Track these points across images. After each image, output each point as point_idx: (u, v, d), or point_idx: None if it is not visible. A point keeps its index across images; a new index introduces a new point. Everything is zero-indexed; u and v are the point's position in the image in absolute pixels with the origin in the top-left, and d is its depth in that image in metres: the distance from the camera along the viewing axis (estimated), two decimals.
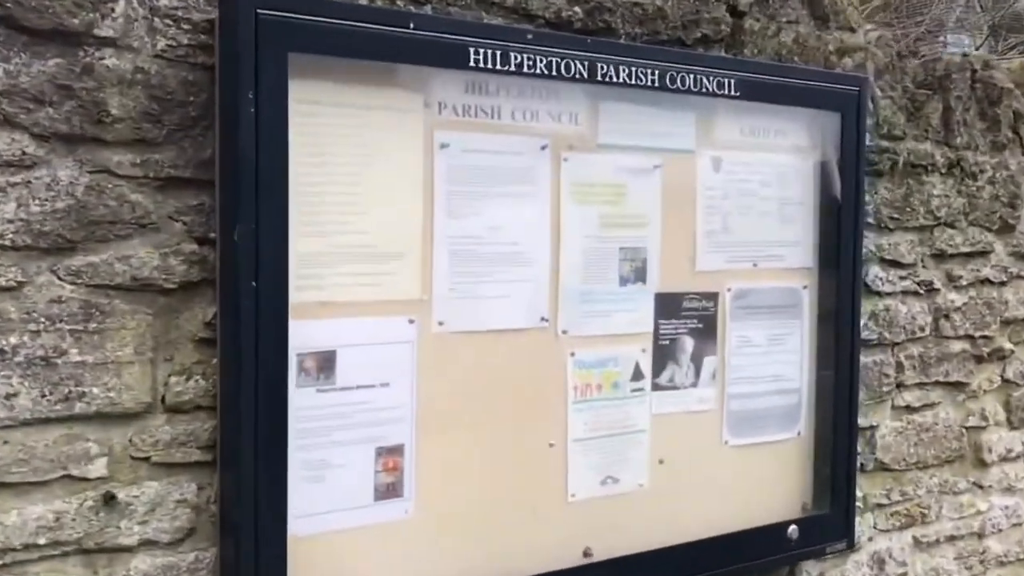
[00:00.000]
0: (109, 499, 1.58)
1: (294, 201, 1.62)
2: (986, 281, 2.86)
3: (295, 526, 1.66)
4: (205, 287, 1.64)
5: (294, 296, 1.64)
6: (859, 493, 2.58)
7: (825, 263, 2.34)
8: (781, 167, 2.28)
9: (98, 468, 1.57)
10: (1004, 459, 2.96)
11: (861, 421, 2.55)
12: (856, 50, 2.49)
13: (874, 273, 2.57)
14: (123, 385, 1.58)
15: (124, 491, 1.60)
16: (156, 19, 1.58)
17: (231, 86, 1.54)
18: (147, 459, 1.62)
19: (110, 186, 1.57)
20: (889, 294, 2.62)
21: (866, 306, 2.54)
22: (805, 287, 2.33)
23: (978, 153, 2.80)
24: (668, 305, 2.11)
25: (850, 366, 2.33)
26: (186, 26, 1.60)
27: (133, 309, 1.59)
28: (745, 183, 2.22)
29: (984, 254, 2.85)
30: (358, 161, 1.71)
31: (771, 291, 2.28)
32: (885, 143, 2.57)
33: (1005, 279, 2.90)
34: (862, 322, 2.52)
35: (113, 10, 1.54)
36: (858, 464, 2.57)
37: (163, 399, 1.62)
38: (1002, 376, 2.94)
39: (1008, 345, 2.93)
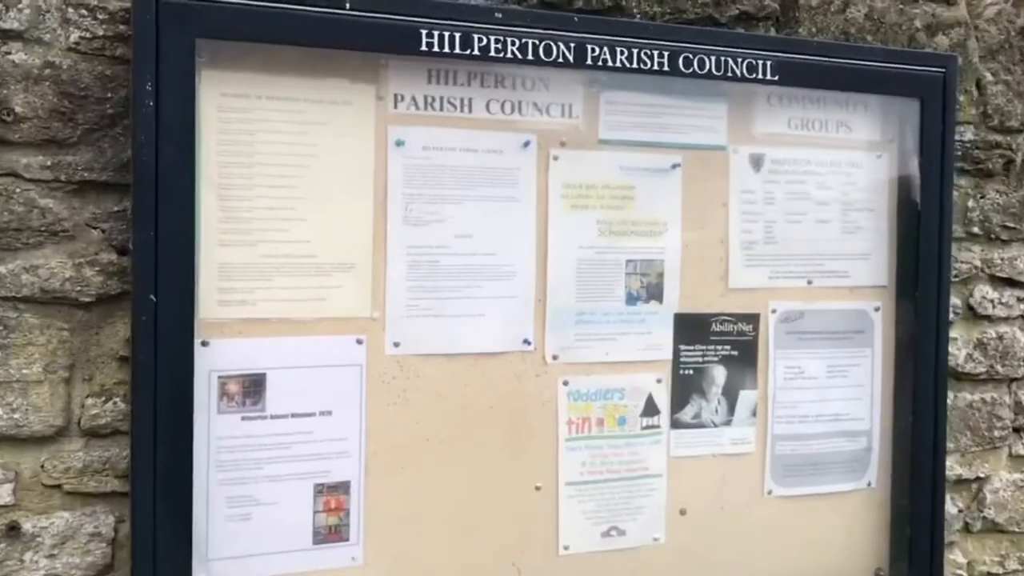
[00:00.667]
0: (12, 529, 1.46)
1: (211, 206, 1.46)
2: None
3: (216, 569, 1.48)
4: (127, 301, 1.49)
5: (214, 312, 1.47)
6: (961, 559, 2.14)
7: (903, 281, 1.94)
8: (845, 166, 1.91)
9: (2, 495, 1.45)
10: None
11: (965, 472, 2.13)
12: (954, 25, 2.08)
13: (982, 293, 2.13)
14: (30, 406, 1.46)
15: (31, 521, 1.48)
16: (70, 9, 1.46)
17: (133, 78, 1.39)
18: (58, 487, 1.49)
19: (17, 190, 1.45)
20: (1003, 319, 2.17)
21: (971, 333, 2.11)
22: (877, 309, 1.94)
23: None
24: (692, 328, 1.79)
25: (934, 403, 1.92)
26: (102, 16, 1.48)
27: (44, 324, 1.47)
28: (796, 184, 1.87)
29: None
30: (297, 162, 1.52)
31: (832, 313, 1.91)
32: (997, 137, 2.14)
33: None
34: (966, 352, 2.09)
35: (20, 0, 1.43)
36: (962, 524, 2.13)
37: (79, 422, 1.49)
38: None
39: None
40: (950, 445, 2.10)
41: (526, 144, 1.66)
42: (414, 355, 1.61)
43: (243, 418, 1.50)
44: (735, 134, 1.82)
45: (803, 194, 1.88)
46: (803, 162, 1.87)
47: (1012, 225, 2.15)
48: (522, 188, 1.66)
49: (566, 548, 1.72)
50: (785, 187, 1.86)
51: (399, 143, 1.57)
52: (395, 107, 1.58)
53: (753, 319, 1.84)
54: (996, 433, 2.16)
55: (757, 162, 1.84)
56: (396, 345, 1.59)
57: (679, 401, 1.80)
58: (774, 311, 1.86)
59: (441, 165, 1.60)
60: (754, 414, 1.85)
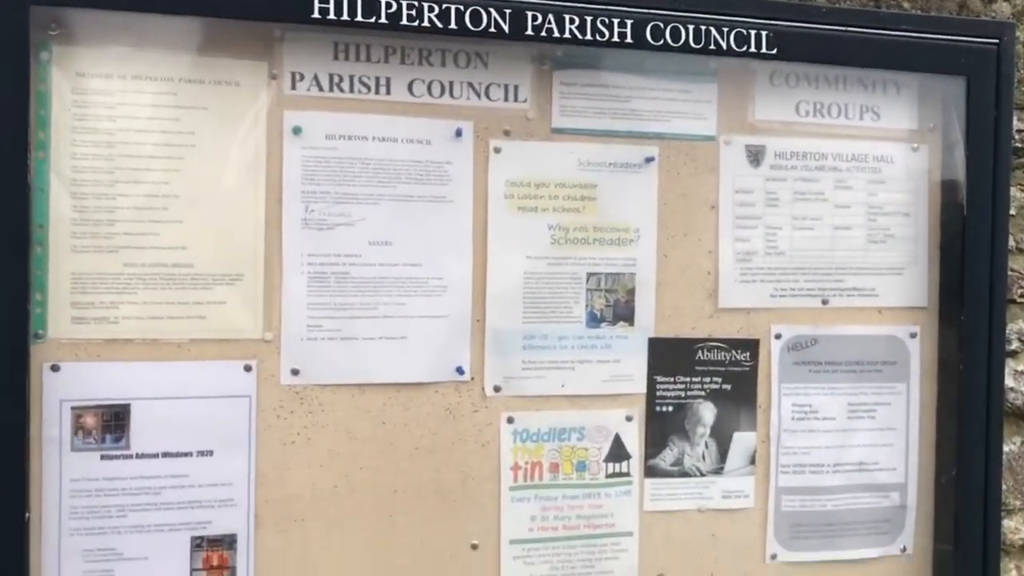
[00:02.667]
0: None
1: (63, 205, 1.23)
2: None
3: None
4: None
5: (67, 331, 1.25)
6: None
7: (947, 301, 1.57)
8: (872, 160, 1.56)
9: None
10: None
11: None
12: None
13: None
14: None
15: None
16: None
17: None
18: None
19: None
20: None
21: None
22: (914, 335, 1.58)
23: None
24: (671, 356, 1.48)
25: (985, 450, 1.54)
26: None
27: None
28: (808, 183, 1.53)
29: None
30: (170, 153, 1.28)
31: (854, 340, 1.56)
32: None
33: None
34: None
35: None
36: None
37: None
38: None
39: None
40: (1016, 502, 1.72)
41: (458, 133, 1.38)
42: (317, 385, 1.34)
43: (103, 457, 1.27)
44: (727, 121, 1.50)
45: (817, 195, 1.54)
46: (816, 156, 1.54)
47: None
48: (455, 186, 1.38)
49: None
50: (793, 186, 1.53)
51: (296, 131, 1.32)
52: (292, 88, 1.32)
53: (751, 346, 1.51)
54: None
55: (756, 155, 1.51)
56: (295, 373, 1.33)
57: (655, 444, 1.48)
58: (778, 336, 1.52)
59: (351, 158, 1.34)
60: (752, 462, 1.52)
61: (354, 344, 1.35)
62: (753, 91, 1.51)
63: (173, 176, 1.28)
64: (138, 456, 1.28)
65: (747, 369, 1.51)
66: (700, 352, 1.49)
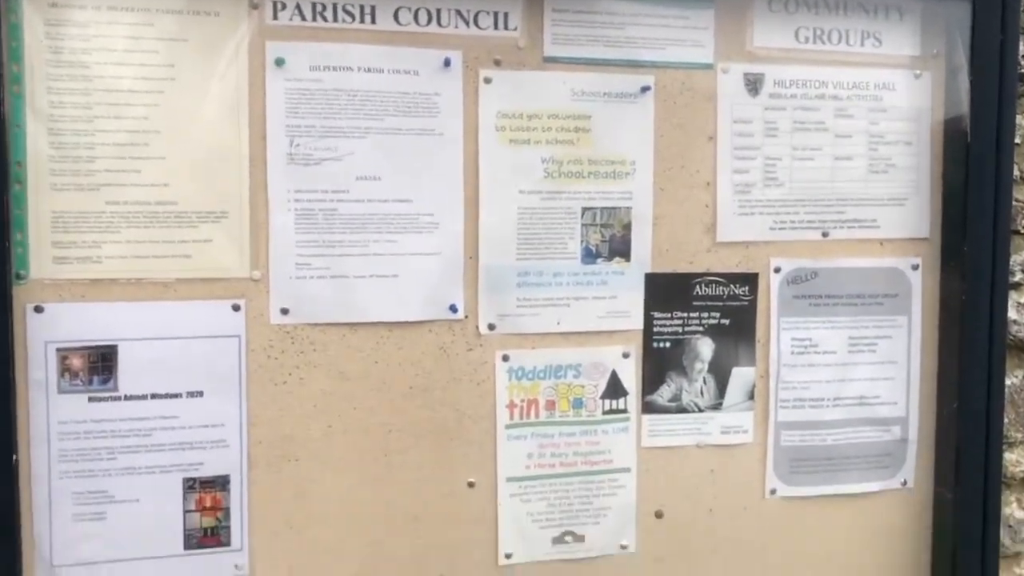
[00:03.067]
0: None
1: (41, 142, 1.20)
2: None
3: None
4: None
5: (49, 271, 1.22)
6: None
7: (950, 231, 1.54)
8: (873, 88, 1.52)
9: None
10: None
11: None
12: None
13: None
14: None
15: None
16: None
17: None
18: None
19: None
20: None
21: None
22: (916, 267, 1.55)
23: None
24: (669, 291, 1.45)
25: (987, 383, 1.52)
26: None
27: None
28: (808, 112, 1.49)
29: None
30: (149, 87, 1.24)
31: (855, 273, 1.53)
32: None
33: None
34: None
35: None
36: None
37: None
38: None
39: None
40: (1018, 435, 1.70)
41: (447, 63, 1.34)
42: (308, 324, 1.32)
43: (90, 399, 1.25)
44: (725, 49, 1.45)
45: (817, 124, 1.50)
46: (817, 84, 1.49)
47: None
48: (444, 118, 1.34)
49: (508, 557, 1.42)
50: (792, 115, 1.49)
51: (279, 62, 1.28)
52: (274, 17, 1.28)
53: (750, 280, 1.48)
54: None
55: (754, 84, 1.47)
56: (284, 312, 1.30)
57: (652, 380, 1.46)
58: (777, 270, 1.49)
59: (335, 89, 1.30)
60: (751, 397, 1.50)
61: (344, 282, 1.32)
62: (751, 17, 1.47)
63: (153, 111, 1.24)
64: (126, 398, 1.26)
65: (746, 304, 1.48)
66: (698, 287, 1.46)
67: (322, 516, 1.34)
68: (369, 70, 1.31)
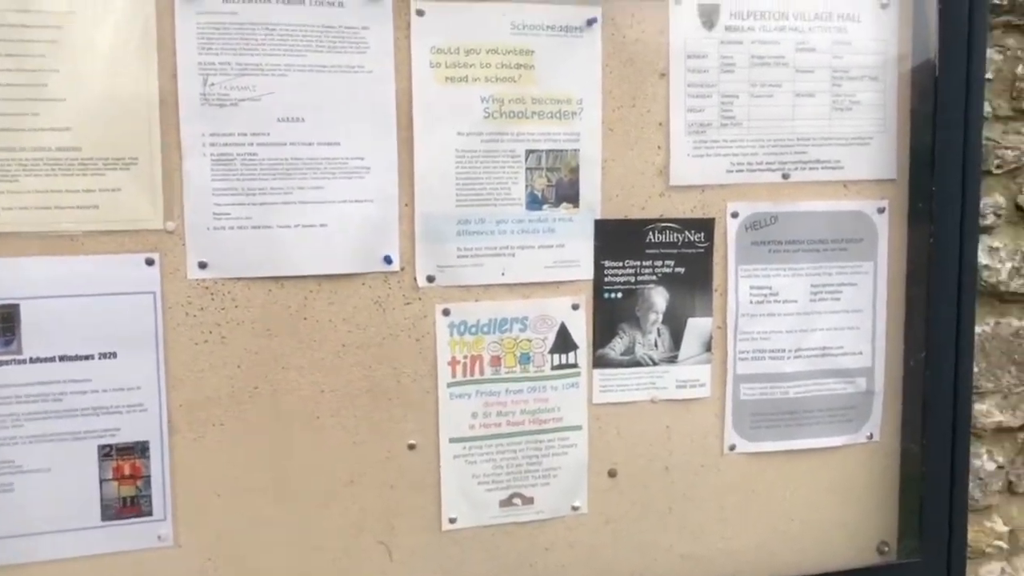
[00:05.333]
0: None
1: None
2: None
3: None
4: None
5: None
6: (1001, 527, 1.69)
7: (918, 173, 1.46)
8: (836, 19, 1.43)
9: None
10: None
11: (1008, 419, 1.66)
12: None
13: None
14: None
15: None
16: None
17: None
18: None
19: None
20: None
21: (1021, 241, 1.63)
22: (882, 210, 1.47)
23: None
24: (620, 238, 1.36)
25: (956, 331, 1.45)
26: None
27: None
28: (766, 46, 1.40)
29: None
30: (43, 21, 1.14)
31: (818, 217, 1.45)
32: None
33: None
34: (1012, 266, 1.61)
35: None
36: (1003, 483, 1.68)
37: None
38: None
39: None
40: (989, 385, 1.64)
41: None
42: (229, 279, 1.23)
43: None
44: None
45: (777, 58, 1.40)
46: (776, 15, 1.40)
47: None
48: (373, 54, 1.24)
49: (452, 521, 1.34)
50: (750, 49, 1.39)
51: None
52: None
53: (706, 225, 1.40)
54: None
55: (709, 16, 1.37)
56: (202, 266, 1.21)
57: (604, 333, 1.38)
58: (735, 215, 1.41)
59: (252, 23, 1.20)
60: (708, 349, 1.42)
61: (268, 233, 1.23)
62: None
63: (50, 48, 1.14)
64: (32, 360, 1.16)
65: (702, 251, 1.40)
66: (651, 234, 1.38)
67: (250, 482, 1.26)
68: (289, 2, 1.21)
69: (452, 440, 1.33)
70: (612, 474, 1.40)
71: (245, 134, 1.20)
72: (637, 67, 1.35)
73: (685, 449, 1.43)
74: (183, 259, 1.20)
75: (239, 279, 1.23)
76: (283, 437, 1.26)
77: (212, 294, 1.22)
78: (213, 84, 1.19)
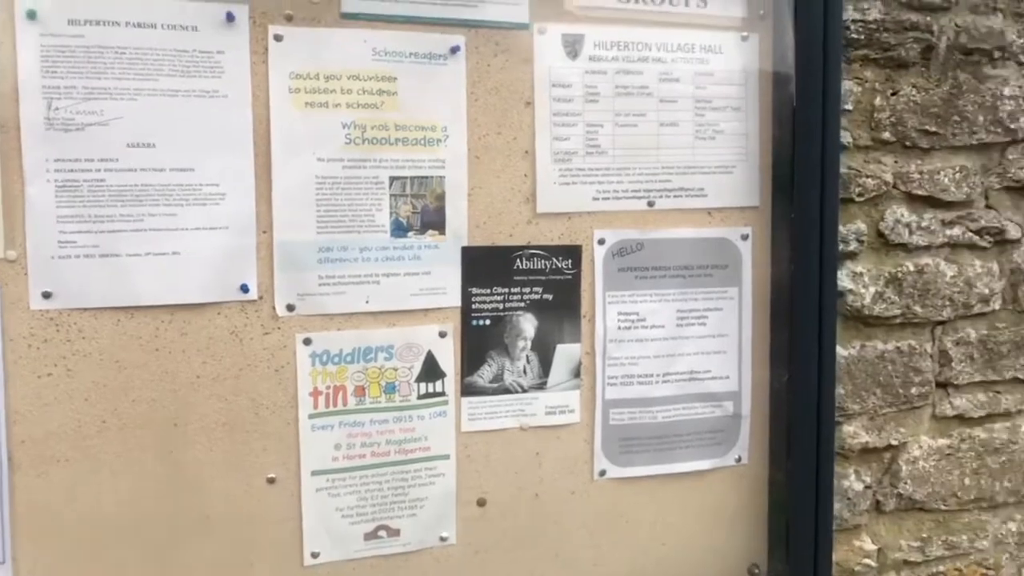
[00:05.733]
0: None
1: None
2: None
3: None
4: None
5: None
6: (870, 545, 1.72)
7: (780, 200, 1.49)
8: (699, 51, 1.46)
9: None
10: None
11: (874, 439, 1.70)
12: None
13: (895, 216, 1.68)
14: None
15: None
16: None
17: None
18: None
19: None
20: (923, 248, 1.73)
21: (883, 267, 1.67)
22: (746, 237, 1.50)
23: None
24: (488, 266, 1.36)
25: (818, 355, 1.48)
26: None
27: None
28: (631, 76, 1.42)
29: None
30: None
31: (683, 243, 1.47)
32: (912, 16, 1.67)
33: None
34: (875, 290, 1.65)
35: None
36: (871, 502, 1.72)
37: None
38: None
39: None
40: (855, 407, 1.68)
41: (229, 18, 1.21)
42: (75, 310, 1.18)
43: None
44: (541, 8, 1.37)
45: (641, 88, 1.43)
46: (640, 46, 1.42)
47: (934, 129, 1.69)
48: (229, 79, 1.22)
49: (314, 556, 1.31)
50: (615, 79, 1.41)
51: (31, 15, 1.14)
52: None
53: (573, 252, 1.41)
54: (914, 390, 1.73)
55: (573, 46, 1.39)
56: (47, 296, 1.17)
57: (472, 360, 1.37)
58: (602, 241, 1.42)
59: (100, 46, 1.16)
60: (577, 375, 1.42)
61: (116, 262, 1.19)
62: None
63: None
64: None
65: (569, 277, 1.41)
66: (518, 261, 1.38)
67: (98, 522, 1.21)
68: (139, 25, 1.18)
69: (314, 473, 1.30)
70: (481, 503, 1.39)
71: (92, 159, 1.17)
72: (502, 95, 1.35)
73: (555, 476, 1.42)
74: (25, 289, 1.16)
75: (86, 309, 1.19)
76: (134, 473, 1.22)
77: (57, 325, 1.17)
78: (58, 108, 1.15)
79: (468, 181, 1.34)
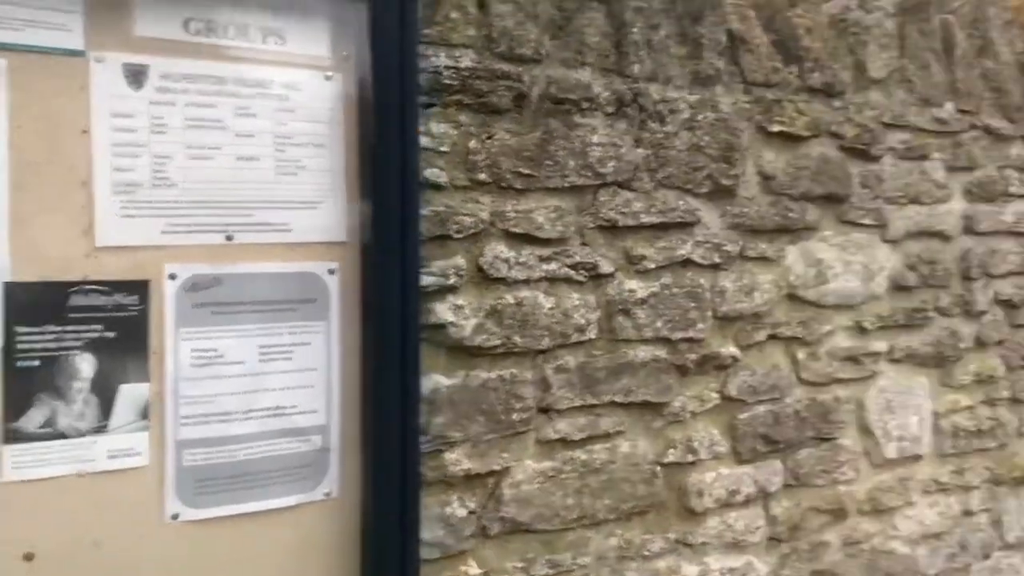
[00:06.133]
0: None
1: None
2: (688, 263, 2.07)
3: None
4: None
5: None
6: (476, 570, 1.78)
7: (368, 236, 1.52)
8: (278, 87, 1.47)
9: None
10: (726, 505, 2.18)
11: (477, 466, 1.76)
12: None
13: (494, 253, 1.77)
14: None
15: None
16: None
17: None
18: None
19: None
20: (522, 282, 1.82)
21: (483, 300, 1.75)
22: (332, 271, 1.52)
23: (669, 87, 2.02)
24: (37, 303, 1.28)
25: (401, 386, 1.52)
26: None
27: None
28: (203, 109, 1.40)
29: (685, 226, 2.06)
30: None
31: (265, 278, 1.46)
32: (504, 66, 1.78)
33: (719, 260, 2.12)
34: (476, 322, 1.72)
35: None
36: (476, 528, 1.77)
37: None
38: (721, 392, 2.15)
39: (729, 350, 2.15)
40: (457, 435, 1.74)
41: None
42: None
43: None
44: (99, 36, 1.33)
45: (215, 122, 1.41)
46: (213, 79, 1.41)
47: (527, 172, 1.80)
48: None
49: None
50: (184, 111, 1.39)
51: None
52: None
53: (139, 288, 1.36)
54: (516, 417, 1.82)
55: (137, 76, 1.35)
56: None
57: (18, 404, 1.29)
58: (173, 276, 1.38)
59: None
60: (145, 416, 1.37)
61: None
62: (131, 3, 1.35)
63: None
64: None
65: (135, 314, 1.36)
66: (74, 297, 1.32)
67: None
68: None
69: None
70: (29, 557, 1.30)
71: None
72: (54, 123, 1.29)
73: (120, 522, 1.36)
74: None
75: None
76: None
77: None
78: None
79: (10, 212, 1.26)
